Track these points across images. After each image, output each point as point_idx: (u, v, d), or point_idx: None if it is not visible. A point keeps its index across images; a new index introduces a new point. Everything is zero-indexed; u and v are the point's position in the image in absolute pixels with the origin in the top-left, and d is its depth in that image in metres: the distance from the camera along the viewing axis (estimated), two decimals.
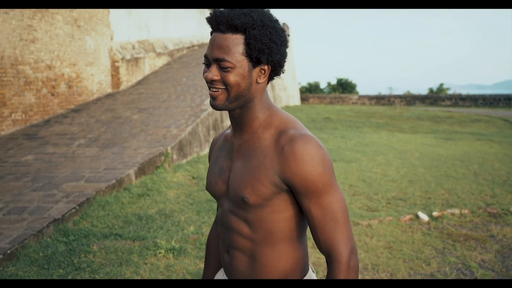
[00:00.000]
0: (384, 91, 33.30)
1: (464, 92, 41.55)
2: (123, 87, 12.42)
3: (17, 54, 8.48)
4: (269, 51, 1.24)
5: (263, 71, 1.27)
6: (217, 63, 1.23)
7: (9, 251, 3.57)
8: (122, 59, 12.41)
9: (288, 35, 1.32)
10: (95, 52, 11.33)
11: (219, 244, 1.51)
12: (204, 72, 1.27)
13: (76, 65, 10.47)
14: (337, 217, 1.25)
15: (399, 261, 3.94)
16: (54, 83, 9.66)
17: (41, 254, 3.71)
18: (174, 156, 7.34)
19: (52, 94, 9.59)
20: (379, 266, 3.84)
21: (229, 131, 1.45)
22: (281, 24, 1.29)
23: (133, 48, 13.50)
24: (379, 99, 30.15)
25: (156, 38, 15.32)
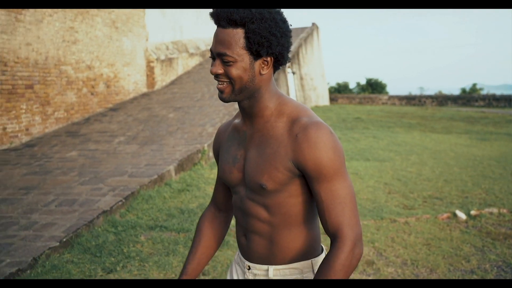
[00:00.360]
0: (415, 91, 32.80)
1: (498, 92, 40.54)
2: (157, 86, 12.72)
3: (60, 55, 8.84)
4: (269, 44, 1.25)
5: (266, 63, 1.29)
6: (220, 57, 1.27)
7: (64, 239, 3.79)
8: (157, 59, 12.71)
9: (291, 25, 1.34)
10: (132, 52, 11.66)
11: (217, 228, 1.60)
12: (210, 67, 1.31)
13: (114, 66, 10.81)
14: (345, 202, 1.28)
15: (438, 257, 3.98)
16: (94, 82, 10.00)
17: (93, 243, 3.92)
18: (210, 154, 7.52)
19: (92, 94, 9.93)
20: (418, 262, 3.89)
21: (237, 120, 1.48)
22: (282, 15, 1.31)
23: (167, 48, 13.79)
24: (410, 100, 29.73)
25: (188, 39, 15.60)
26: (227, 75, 1.27)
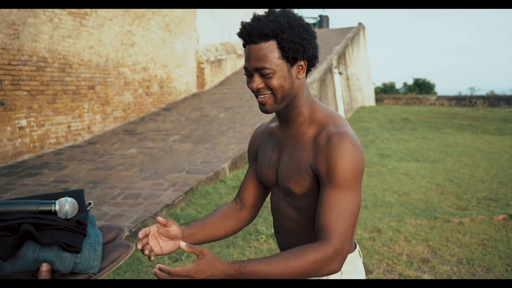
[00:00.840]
0: (465, 92, 31.76)
1: None
2: (207, 87, 13.08)
3: (118, 57, 9.30)
4: (303, 49, 1.31)
5: (301, 67, 1.35)
6: (258, 72, 1.31)
7: (133, 229, 4.09)
8: (207, 60, 13.07)
9: (315, 26, 1.38)
10: (183, 54, 12.06)
11: (232, 219, 1.60)
12: (248, 83, 1.35)
13: (167, 67, 11.23)
14: (345, 214, 1.25)
15: (494, 258, 3.99)
16: (148, 83, 10.44)
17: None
18: None
19: (147, 94, 10.37)
20: (474, 261, 3.92)
21: (274, 124, 1.53)
22: (304, 19, 1.38)
23: (216, 50, 14.14)
24: (460, 100, 28.83)
25: (236, 40, 15.90)
26: (268, 87, 1.32)
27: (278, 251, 3.92)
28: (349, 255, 1.43)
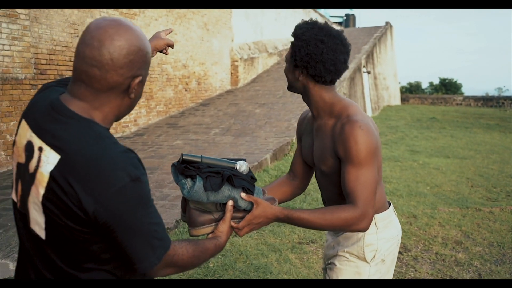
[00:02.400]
0: (492, 92, 31.52)
1: None
2: (240, 84, 13.59)
3: (162, 55, 9.87)
4: (307, 66, 1.59)
5: (300, 73, 1.62)
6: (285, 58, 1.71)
7: None
8: (241, 58, 13.58)
9: (334, 47, 1.59)
10: (219, 52, 12.59)
11: (288, 185, 1.96)
12: None
13: (204, 64, 11.78)
14: (365, 185, 1.53)
15: None
16: (187, 80, 11.00)
17: None
18: (295, 145, 8.18)
19: (186, 90, 10.94)
20: (504, 244, 4.30)
21: (310, 113, 1.85)
22: (327, 41, 1.58)
23: (249, 48, 14.64)
24: (487, 101, 28.63)
25: (268, 39, 16.38)
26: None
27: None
28: (383, 213, 1.75)
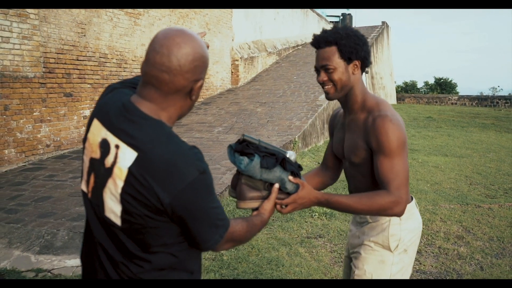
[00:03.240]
0: (486, 92, 31.83)
1: None
2: (240, 83, 13.73)
3: None
4: (356, 51, 1.75)
5: (356, 66, 1.78)
6: (323, 68, 1.79)
7: None
8: (241, 58, 13.72)
9: (338, 24, 1.93)
10: (220, 52, 12.73)
11: (322, 175, 2.14)
12: (317, 77, 1.84)
13: None
14: (398, 173, 1.67)
15: None
16: None
17: (231, 208, 4.86)
18: (300, 144, 8.34)
19: None
20: (504, 239, 4.48)
21: (341, 110, 2.01)
22: (360, 32, 1.81)
23: (249, 48, 14.78)
24: (482, 100, 28.92)
25: (267, 39, 16.53)
26: (331, 80, 1.79)
27: (331, 226, 4.61)
28: (409, 205, 1.85)
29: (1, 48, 6.09)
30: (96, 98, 7.91)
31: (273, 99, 11.50)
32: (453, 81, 36.00)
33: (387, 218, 1.87)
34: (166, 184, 1.12)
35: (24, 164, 6.46)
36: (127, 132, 1.18)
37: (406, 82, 38.17)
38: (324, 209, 4.98)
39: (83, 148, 1.32)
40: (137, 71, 9.03)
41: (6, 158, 6.22)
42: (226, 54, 13.15)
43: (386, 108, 1.77)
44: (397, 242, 1.86)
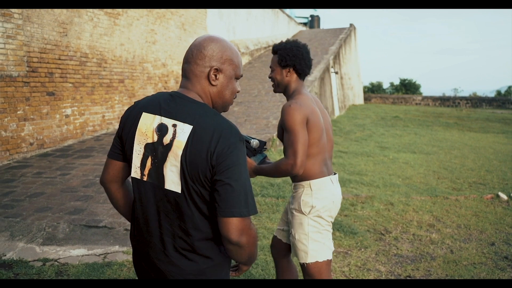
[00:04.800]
0: (448, 93, 33.12)
1: None
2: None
3: (143, 54, 10.15)
4: (288, 60, 2.41)
5: (288, 70, 2.44)
6: (270, 69, 2.51)
7: None
8: None
9: (308, 51, 2.46)
10: None
11: None
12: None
13: (181, 64, 12.08)
14: (293, 145, 2.24)
15: (486, 224, 5.01)
16: (166, 78, 11.30)
17: None
18: (277, 142, 8.67)
19: (165, 88, 11.23)
20: (470, 226, 4.93)
21: None
22: (301, 47, 2.43)
23: None
24: (444, 101, 30.09)
25: (239, 39, 16.80)
26: (272, 78, 2.51)
27: None
28: (317, 179, 2.36)
29: None
30: (78, 97, 8.00)
31: (249, 98, 11.79)
32: (417, 82, 37.22)
33: (301, 189, 2.37)
34: (213, 144, 1.39)
35: (8, 162, 6.52)
36: (180, 113, 1.46)
37: (373, 83, 39.17)
38: None
39: (130, 142, 1.54)
40: (116, 70, 9.14)
41: None
42: None
43: (295, 100, 2.33)
44: (309, 208, 2.34)
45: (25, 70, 6.82)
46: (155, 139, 1.48)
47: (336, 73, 18.62)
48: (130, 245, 3.88)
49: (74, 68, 7.92)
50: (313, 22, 36.09)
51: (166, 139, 1.45)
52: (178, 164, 1.43)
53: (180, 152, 1.42)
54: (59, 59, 7.53)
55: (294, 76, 2.43)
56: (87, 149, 7.41)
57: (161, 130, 1.47)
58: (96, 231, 4.12)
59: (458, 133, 13.64)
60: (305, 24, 34.86)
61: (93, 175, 5.86)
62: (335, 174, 2.50)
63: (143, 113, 1.52)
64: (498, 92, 35.83)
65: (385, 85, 39.66)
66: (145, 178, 1.51)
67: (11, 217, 4.40)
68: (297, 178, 2.39)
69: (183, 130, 1.43)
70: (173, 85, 11.69)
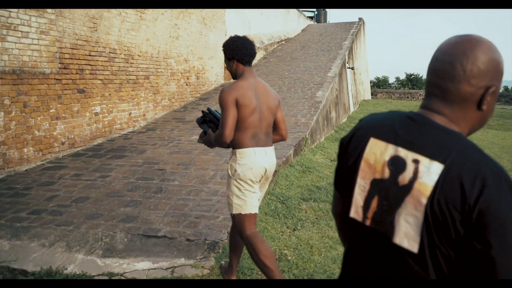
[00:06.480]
0: None
1: None
2: (231, 79, 13.68)
3: (167, 49, 9.88)
4: (226, 52, 2.91)
5: (232, 61, 2.91)
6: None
7: None
8: None
9: (245, 41, 2.90)
10: (215, 47, 12.65)
11: None
12: None
13: (202, 59, 11.83)
14: (222, 119, 2.75)
15: None
16: (188, 74, 11.04)
17: (272, 207, 4.91)
18: (309, 141, 8.45)
19: (187, 84, 10.98)
20: None
21: None
22: (237, 40, 2.89)
23: None
24: None
25: (254, 34, 16.53)
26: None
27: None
28: (241, 149, 2.84)
29: (21, 43, 5.88)
30: (106, 94, 7.76)
31: None
32: (423, 77, 37.02)
33: (231, 155, 2.90)
34: (474, 195, 1.00)
35: (42, 162, 6.28)
36: (426, 145, 1.10)
37: (378, 78, 38.98)
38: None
39: (352, 174, 1.24)
40: (142, 66, 8.89)
41: (25, 157, 6.03)
42: (219, 49, 13.08)
43: (229, 85, 2.82)
44: (233, 171, 2.85)
45: (57, 67, 6.57)
46: (387, 175, 1.15)
47: (352, 68, 18.39)
48: (196, 258, 3.66)
49: (103, 65, 7.66)
50: (319, 16, 35.79)
51: (403, 179, 1.11)
52: (420, 215, 1.07)
53: (424, 200, 1.06)
54: (89, 55, 7.27)
55: (239, 65, 2.89)
56: (119, 148, 7.17)
57: (396, 165, 1.13)
58: (157, 242, 3.90)
59: (479, 130, 13.43)
60: (311, 18, 34.56)
61: (134, 177, 5.64)
62: (270, 147, 2.97)
63: (371, 138, 1.20)
64: (505, 88, 35.66)
65: (391, 80, 39.44)
66: (367, 222, 1.19)
67: (63, 225, 4.18)
68: (231, 146, 2.88)
69: (430, 170, 1.06)
70: (194, 81, 11.44)
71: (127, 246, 3.83)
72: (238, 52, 2.85)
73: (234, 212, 2.90)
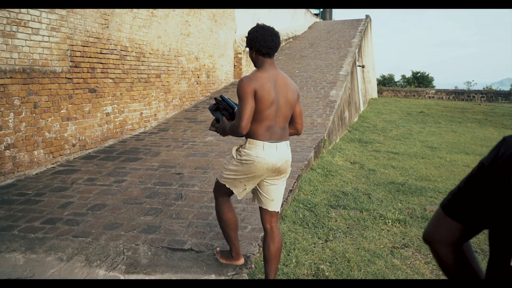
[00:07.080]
0: (461, 86, 32.54)
1: None
2: (243, 76, 13.38)
3: (178, 47, 9.57)
4: (248, 43, 2.86)
5: (252, 52, 2.86)
6: None
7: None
8: (244, 51, 13.36)
9: (266, 33, 2.79)
10: (225, 44, 12.34)
11: None
12: None
13: (212, 57, 11.52)
14: (239, 110, 2.70)
15: None
16: (199, 72, 10.73)
17: (300, 215, 4.61)
18: (327, 143, 8.14)
19: (197, 83, 10.67)
20: None
21: None
22: (259, 30, 2.81)
23: None
24: (458, 94, 29.45)
25: None
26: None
27: (410, 234, 4.40)
28: (253, 140, 2.79)
29: (31, 40, 5.59)
30: (118, 93, 7.46)
31: None
32: (429, 75, 36.64)
33: (243, 143, 2.89)
34: None
35: (53, 166, 5.99)
36: None
37: (384, 75, 38.58)
38: (397, 215, 4.81)
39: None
40: (153, 64, 8.58)
41: (35, 159, 5.74)
42: (229, 47, 12.77)
43: (249, 75, 2.78)
44: (236, 155, 2.89)
45: (68, 65, 6.27)
46: None
47: (363, 66, 18.08)
48: (228, 275, 3.37)
49: (115, 63, 7.36)
50: (325, 13, 35.44)
51: None
52: None
53: None
54: (101, 53, 6.97)
55: (258, 55, 2.83)
56: (131, 150, 6.88)
57: None
58: (183, 256, 3.60)
59: (496, 131, 13.11)
60: (316, 15, 34.21)
61: (151, 182, 5.34)
62: (284, 142, 2.89)
63: None
64: None
65: (397, 78, 39.02)
66: None
67: (80, 236, 3.89)
68: (245, 135, 2.85)
69: None
70: (205, 79, 11.12)
71: (152, 261, 3.54)
72: (256, 42, 2.80)
73: (220, 180, 3.08)
